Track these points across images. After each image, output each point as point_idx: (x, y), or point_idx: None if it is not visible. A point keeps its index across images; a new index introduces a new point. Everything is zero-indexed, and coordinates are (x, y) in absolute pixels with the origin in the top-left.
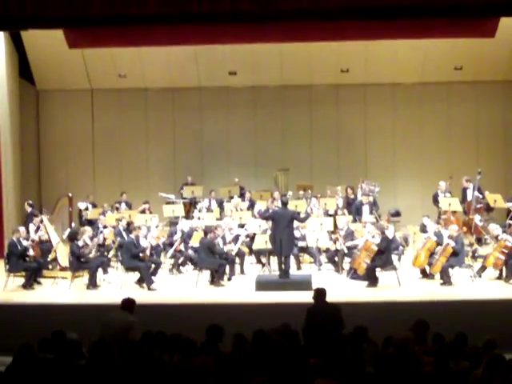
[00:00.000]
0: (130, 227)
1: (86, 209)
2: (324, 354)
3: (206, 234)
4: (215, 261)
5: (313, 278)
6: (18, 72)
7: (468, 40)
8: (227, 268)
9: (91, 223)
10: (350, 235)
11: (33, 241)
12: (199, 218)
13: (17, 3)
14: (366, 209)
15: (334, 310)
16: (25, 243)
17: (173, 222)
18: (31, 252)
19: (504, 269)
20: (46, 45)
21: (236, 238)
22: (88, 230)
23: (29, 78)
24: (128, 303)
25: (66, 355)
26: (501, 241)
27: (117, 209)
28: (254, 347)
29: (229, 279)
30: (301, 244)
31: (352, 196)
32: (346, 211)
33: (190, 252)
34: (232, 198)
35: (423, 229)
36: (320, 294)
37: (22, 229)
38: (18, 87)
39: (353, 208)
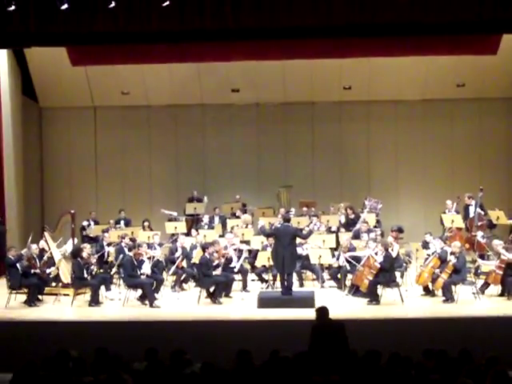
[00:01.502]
0: (135, 243)
1: (88, 225)
2: (337, 370)
3: (204, 250)
4: (213, 279)
5: (315, 295)
6: (21, 89)
7: (470, 57)
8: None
9: (94, 240)
10: (352, 251)
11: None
12: (198, 235)
13: (20, 20)
14: (364, 236)
15: (338, 327)
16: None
17: (174, 240)
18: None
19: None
20: (49, 62)
21: (239, 254)
22: (87, 247)
23: (32, 96)
24: None
25: (70, 373)
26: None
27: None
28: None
29: (226, 295)
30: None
31: (352, 216)
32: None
33: (192, 269)
34: (234, 214)
35: (425, 245)
36: (322, 312)
37: (33, 246)
38: (20, 105)
39: (352, 233)
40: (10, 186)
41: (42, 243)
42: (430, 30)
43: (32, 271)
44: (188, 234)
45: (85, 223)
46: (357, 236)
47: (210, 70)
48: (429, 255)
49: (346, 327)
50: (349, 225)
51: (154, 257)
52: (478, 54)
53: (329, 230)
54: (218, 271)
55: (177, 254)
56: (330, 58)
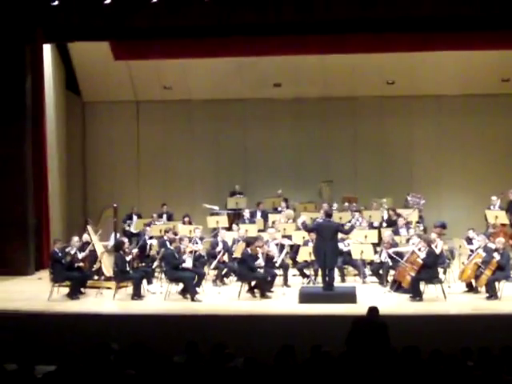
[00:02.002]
0: (175, 237)
1: (130, 220)
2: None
3: (247, 245)
4: (254, 274)
5: (357, 291)
6: (65, 84)
7: None
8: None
9: (136, 234)
10: (394, 246)
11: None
12: (239, 229)
13: (64, 15)
14: (403, 231)
15: (379, 325)
16: (72, 251)
17: (215, 234)
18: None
19: None
20: (92, 57)
21: (281, 249)
22: (125, 241)
23: (75, 90)
24: None
25: (112, 365)
26: None
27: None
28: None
29: (268, 291)
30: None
31: (394, 218)
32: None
33: (233, 264)
34: (276, 209)
35: (468, 241)
36: (373, 312)
37: (75, 238)
38: (64, 99)
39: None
40: (53, 180)
41: (85, 236)
42: (474, 23)
43: (76, 265)
44: (229, 228)
45: (127, 221)
46: (396, 232)
47: (251, 65)
48: (472, 251)
49: (388, 327)
50: (391, 226)
51: (195, 251)
52: None
53: (371, 226)
54: (260, 263)
55: (218, 249)
56: (371, 53)
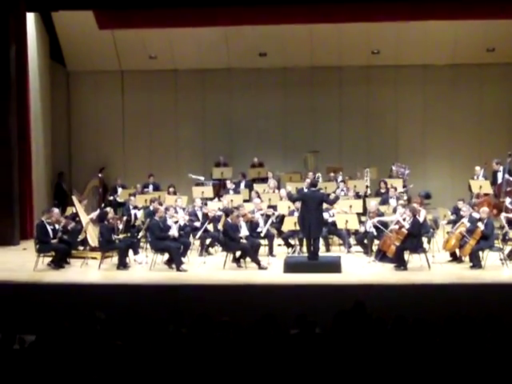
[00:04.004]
0: (160, 207)
1: (115, 191)
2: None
3: (227, 215)
4: (239, 244)
5: (342, 260)
6: (49, 54)
7: (500, 21)
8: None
9: (122, 204)
10: (380, 216)
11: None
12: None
13: None
14: (393, 201)
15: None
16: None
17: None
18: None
19: None
20: (77, 26)
21: (266, 219)
22: (110, 212)
23: (59, 60)
24: None
25: (98, 335)
26: None
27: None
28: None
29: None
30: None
31: (383, 190)
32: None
33: (218, 234)
34: (263, 179)
35: (456, 212)
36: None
37: (55, 210)
38: (48, 69)
39: (381, 199)
40: (37, 149)
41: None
42: None
43: (59, 234)
44: (215, 198)
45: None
46: (385, 201)
47: (238, 34)
48: (452, 222)
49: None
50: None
51: (177, 221)
52: (509, 18)
53: (357, 195)
54: (245, 233)
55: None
56: (358, 22)
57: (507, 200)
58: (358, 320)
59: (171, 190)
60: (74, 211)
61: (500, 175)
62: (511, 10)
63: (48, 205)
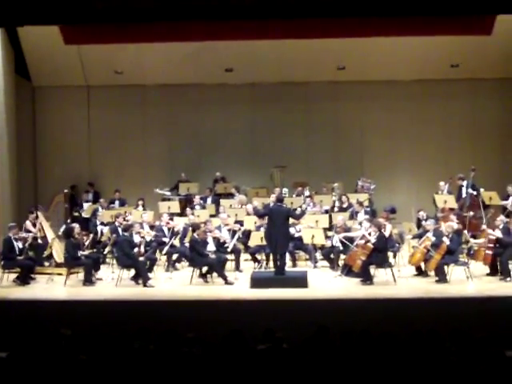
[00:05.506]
0: (129, 224)
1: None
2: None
3: (193, 230)
4: (205, 259)
5: (308, 275)
6: (14, 68)
7: (465, 37)
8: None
9: (87, 219)
10: (347, 231)
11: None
12: (193, 215)
13: None
14: (360, 215)
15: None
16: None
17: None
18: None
19: (498, 266)
20: (42, 41)
21: (233, 234)
22: (76, 227)
23: (25, 75)
24: None
25: (63, 351)
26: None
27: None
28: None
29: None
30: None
31: (346, 205)
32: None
33: (185, 249)
34: (230, 194)
35: (418, 223)
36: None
37: (27, 222)
38: (13, 83)
39: (349, 214)
40: (2, 165)
41: (28, 223)
42: (425, 10)
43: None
44: (182, 213)
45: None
46: (352, 216)
47: (206, 50)
48: (418, 236)
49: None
50: (342, 210)
51: (143, 237)
52: (473, 34)
53: (325, 211)
54: (211, 248)
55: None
56: (325, 38)
57: (470, 215)
58: (321, 344)
59: (140, 202)
60: (40, 227)
61: (464, 190)
62: (475, 26)
63: (15, 222)
